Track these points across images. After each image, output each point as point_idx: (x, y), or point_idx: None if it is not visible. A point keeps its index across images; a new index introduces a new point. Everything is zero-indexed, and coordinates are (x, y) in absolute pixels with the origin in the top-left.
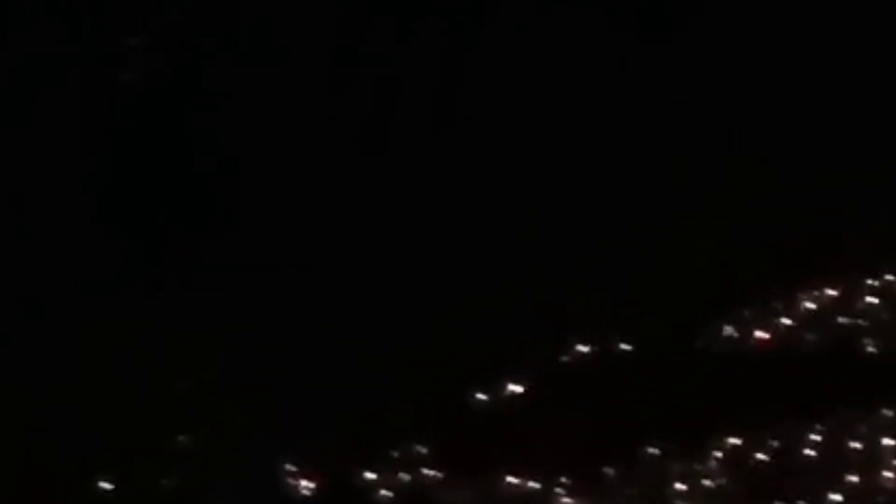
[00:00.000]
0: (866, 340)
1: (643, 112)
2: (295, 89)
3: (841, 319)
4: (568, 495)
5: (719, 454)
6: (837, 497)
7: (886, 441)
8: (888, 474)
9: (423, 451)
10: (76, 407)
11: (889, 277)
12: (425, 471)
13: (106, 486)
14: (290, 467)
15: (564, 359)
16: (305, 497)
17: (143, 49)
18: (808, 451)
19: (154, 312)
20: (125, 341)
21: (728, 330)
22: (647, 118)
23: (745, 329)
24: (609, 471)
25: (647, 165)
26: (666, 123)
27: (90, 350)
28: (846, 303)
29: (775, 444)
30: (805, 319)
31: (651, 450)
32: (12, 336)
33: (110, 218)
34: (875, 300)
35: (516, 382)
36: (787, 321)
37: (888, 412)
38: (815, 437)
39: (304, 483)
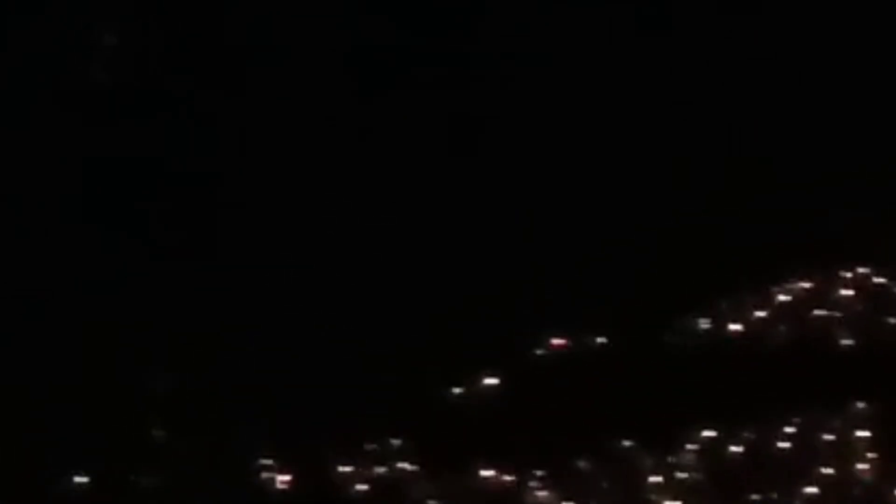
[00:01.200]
0: (840, 333)
1: (643, 111)
2: (295, 89)
3: (815, 312)
4: (543, 488)
5: (693, 447)
6: (812, 489)
7: (860, 433)
8: (862, 466)
9: (398, 444)
10: (76, 407)
11: (863, 270)
12: (400, 464)
13: (83, 480)
14: (266, 461)
15: (539, 352)
16: (281, 491)
17: (140, 50)
18: (782, 444)
19: (154, 312)
20: (125, 341)
21: (703, 323)
22: (647, 118)
23: (720, 322)
24: (584, 464)
25: (647, 165)
26: (666, 123)
27: (90, 350)
28: (820, 295)
29: (749, 436)
30: (779, 312)
31: (625, 443)
32: (12, 336)
33: (109, 218)
34: (849, 292)
35: (491, 376)
36: (761, 314)
37: (862, 405)
38: (790, 430)
39: (279, 477)
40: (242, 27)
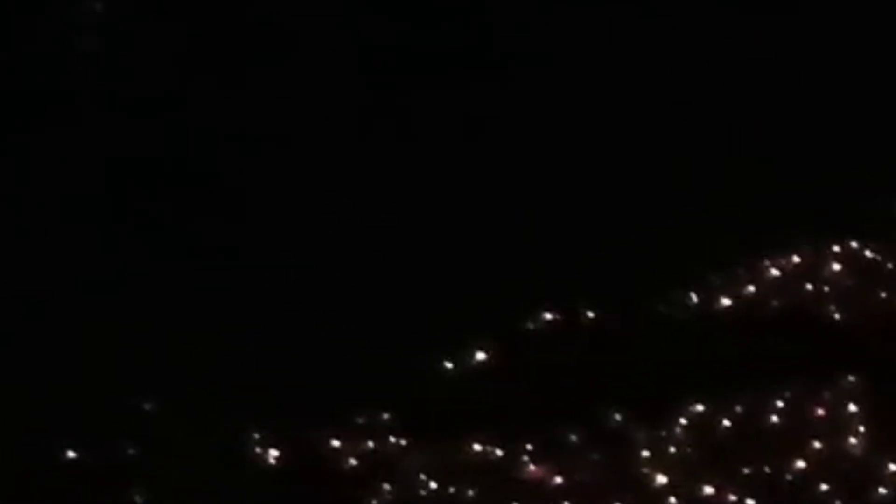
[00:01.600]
0: (831, 307)
1: (643, 111)
2: (297, 87)
3: (806, 286)
4: (533, 462)
5: (684, 421)
6: (802, 463)
7: (851, 407)
8: (853, 440)
9: (388, 417)
10: (76, 407)
11: (854, 244)
12: (391, 438)
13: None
14: (254, 435)
15: (529, 326)
16: (270, 465)
17: (141, 50)
18: (772, 418)
19: (154, 312)
20: (125, 341)
21: (693, 296)
22: (647, 118)
23: (710, 295)
24: (574, 438)
25: (646, 164)
26: (666, 123)
27: (90, 350)
28: (811, 269)
29: (740, 410)
30: (770, 286)
31: (616, 416)
32: (12, 336)
33: (110, 218)
34: (839, 267)
35: (481, 349)
36: (751, 288)
37: (852, 378)
38: (780, 404)
39: (268, 451)
40: (243, 26)
